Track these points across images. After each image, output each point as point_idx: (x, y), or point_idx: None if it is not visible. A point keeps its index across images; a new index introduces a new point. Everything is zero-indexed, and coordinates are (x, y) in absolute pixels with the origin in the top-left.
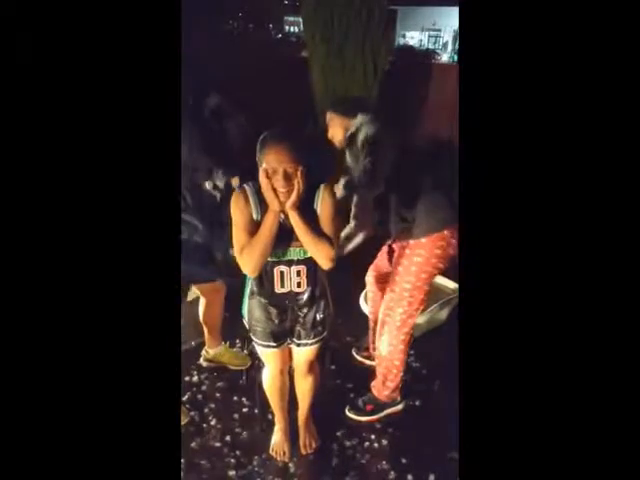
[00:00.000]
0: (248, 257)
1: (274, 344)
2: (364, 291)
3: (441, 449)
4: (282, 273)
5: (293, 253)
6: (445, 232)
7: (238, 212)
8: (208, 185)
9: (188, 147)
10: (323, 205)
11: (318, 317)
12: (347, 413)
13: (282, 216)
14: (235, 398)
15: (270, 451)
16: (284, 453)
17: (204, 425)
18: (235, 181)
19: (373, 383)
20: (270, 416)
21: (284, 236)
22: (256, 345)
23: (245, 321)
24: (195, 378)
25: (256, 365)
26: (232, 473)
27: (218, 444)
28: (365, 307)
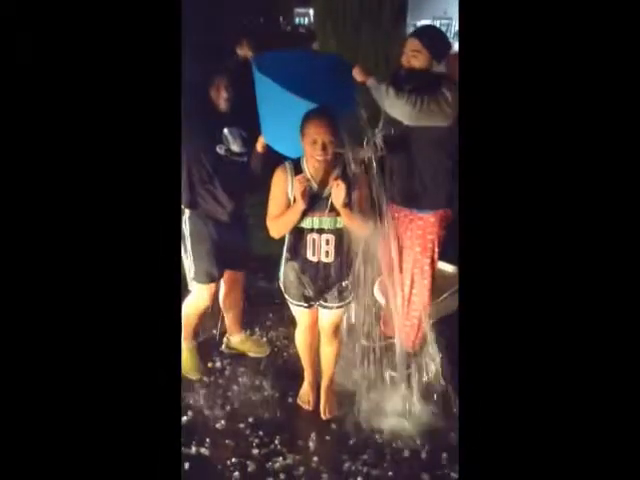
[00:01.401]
0: (274, 226)
1: (305, 304)
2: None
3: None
4: (314, 241)
5: (325, 222)
6: (449, 211)
7: (275, 186)
8: (220, 150)
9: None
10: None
11: (344, 284)
12: (390, 372)
13: (315, 187)
14: (257, 382)
15: (298, 400)
16: (309, 402)
17: (227, 408)
18: (260, 144)
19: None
20: (290, 399)
21: (318, 207)
22: (290, 304)
23: (281, 282)
24: (218, 364)
25: (275, 353)
26: (256, 452)
27: (242, 425)
28: (379, 296)
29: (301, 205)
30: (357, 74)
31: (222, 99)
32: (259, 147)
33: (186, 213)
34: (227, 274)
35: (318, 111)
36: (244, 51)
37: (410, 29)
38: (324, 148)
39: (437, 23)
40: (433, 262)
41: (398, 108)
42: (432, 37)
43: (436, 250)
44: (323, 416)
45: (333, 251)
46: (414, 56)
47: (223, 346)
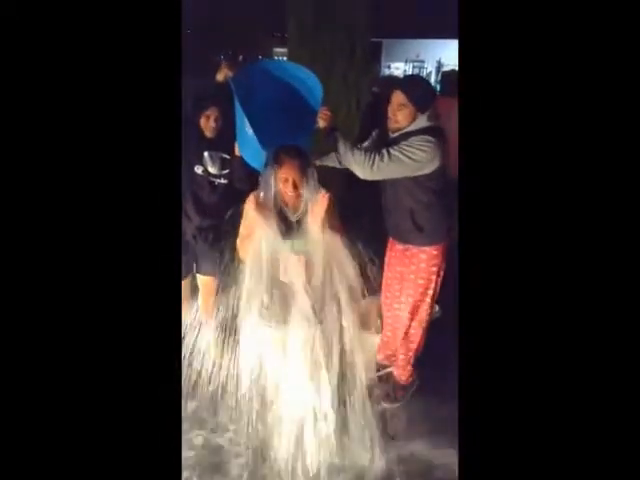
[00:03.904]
0: (243, 249)
1: (274, 324)
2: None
3: None
4: (285, 262)
5: (296, 245)
6: (446, 243)
7: (247, 211)
8: (197, 169)
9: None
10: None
11: (315, 305)
12: (383, 404)
13: (294, 214)
14: None
15: None
16: None
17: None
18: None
19: (394, 374)
20: None
21: (290, 231)
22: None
23: (253, 304)
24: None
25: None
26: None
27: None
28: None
29: (261, 221)
30: (322, 119)
31: (210, 128)
32: (236, 151)
33: None
34: (200, 279)
35: (289, 152)
36: (224, 73)
37: (385, 71)
38: (295, 186)
39: (410, 65)
40: (434, 294)
41: (355, 166)
42: (417, 88)
43: (438, 281)
44: None
45: (304, 270)
46: (400, 109)
47: None
